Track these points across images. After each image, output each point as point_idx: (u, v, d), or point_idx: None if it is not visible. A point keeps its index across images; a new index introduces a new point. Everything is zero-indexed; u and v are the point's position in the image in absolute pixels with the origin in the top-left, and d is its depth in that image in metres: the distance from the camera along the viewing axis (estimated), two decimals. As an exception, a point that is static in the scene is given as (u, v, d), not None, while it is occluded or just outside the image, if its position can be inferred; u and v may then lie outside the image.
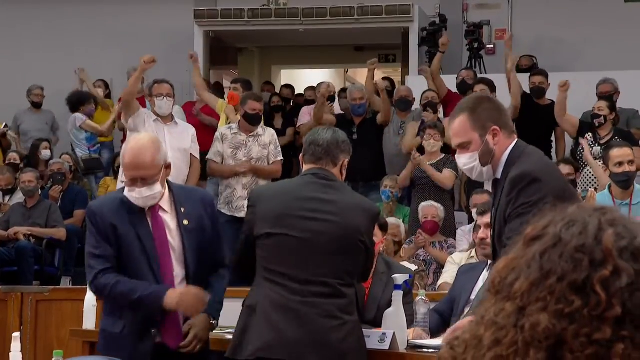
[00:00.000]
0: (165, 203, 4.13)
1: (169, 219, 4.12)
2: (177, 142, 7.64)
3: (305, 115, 10.08)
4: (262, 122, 8.29)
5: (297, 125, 10.23)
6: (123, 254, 4.03)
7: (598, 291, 1.10)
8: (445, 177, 8.25)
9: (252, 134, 8.06)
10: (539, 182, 3.69)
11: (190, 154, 7.75)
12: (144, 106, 8.21)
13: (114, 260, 4.03)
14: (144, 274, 4.02)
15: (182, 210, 4.13)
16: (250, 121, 8.05)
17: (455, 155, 4.09)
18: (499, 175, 3.86)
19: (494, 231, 3.87)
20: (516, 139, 3.90)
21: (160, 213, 4.10)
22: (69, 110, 10.49)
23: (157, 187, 4.02)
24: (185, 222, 4.12)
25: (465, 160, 3.90)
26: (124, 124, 8.22)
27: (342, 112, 10.00)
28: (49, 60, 12.29)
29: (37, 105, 11.38)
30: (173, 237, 4.10)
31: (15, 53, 12.64)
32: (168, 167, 4.12)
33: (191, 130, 7.89)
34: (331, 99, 10.01)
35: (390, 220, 7.07)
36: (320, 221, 4.10)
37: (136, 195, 4.00)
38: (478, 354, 1.17)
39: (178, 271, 4.10)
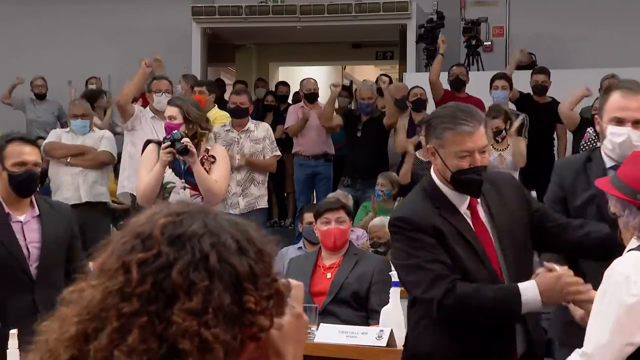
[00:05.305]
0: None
1: None
2: None
3: (292, 114, 9.92)
4: (252, 117, 8.26)
5: (285, 127, 10.00)
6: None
7: (132, 270, 1.24)
8: None
9: (243, 129, 8.03)
10: None
11: None
12: (147, 103, 8.21)
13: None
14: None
15: None
16: (233, 115, 8.06)
17: None
18: None
19: None
20: None
21: None
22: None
23: None
24: None
25: None
26: (120, 125, 8.22)
27: (352, 108, 10.00)
28: (47, 58, 12.27)
29: (40, 97, 11.35)
30: None
31: (13, 50, 12.63)
32: None
33: None
34: (311, 97, 9.94)
35: (375, 221, 7.05)
36: None
37: None
38: (63, 325, 1.29)
39: None
